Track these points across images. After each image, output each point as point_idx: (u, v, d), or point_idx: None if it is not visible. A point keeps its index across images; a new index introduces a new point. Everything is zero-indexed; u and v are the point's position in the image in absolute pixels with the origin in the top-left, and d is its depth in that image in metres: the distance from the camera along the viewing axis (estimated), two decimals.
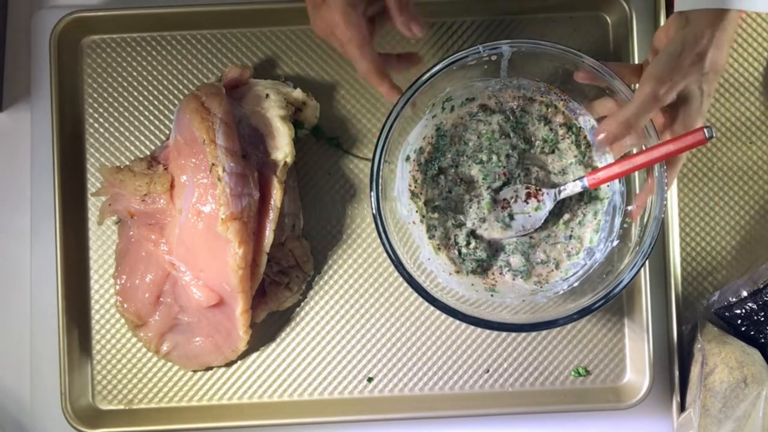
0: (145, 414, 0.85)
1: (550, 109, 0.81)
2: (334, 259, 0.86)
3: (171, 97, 0.86)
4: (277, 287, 0.83)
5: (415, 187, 0.80)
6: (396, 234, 0.76)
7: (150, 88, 0.86)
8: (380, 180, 0.74)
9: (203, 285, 0.79)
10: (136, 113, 0.86)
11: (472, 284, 0.80)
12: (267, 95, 0.80)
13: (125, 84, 0.86)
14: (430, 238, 0.80)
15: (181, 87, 0.86)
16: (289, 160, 0.79)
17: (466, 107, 0.81)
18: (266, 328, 0.85)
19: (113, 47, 0.87)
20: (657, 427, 0.85)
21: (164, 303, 0.81)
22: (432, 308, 0.84)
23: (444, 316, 0.85)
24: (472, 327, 0.85)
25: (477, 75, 0.78)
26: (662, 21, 0.85)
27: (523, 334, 0.85)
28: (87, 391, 0.85)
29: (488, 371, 0.85)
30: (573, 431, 0.86)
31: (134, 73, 0.87)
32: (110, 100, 0.86)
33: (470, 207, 0.81)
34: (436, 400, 0.84)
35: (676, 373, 0.83)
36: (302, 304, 0.85)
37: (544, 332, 0.85)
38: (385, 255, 0.85)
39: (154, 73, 0.86)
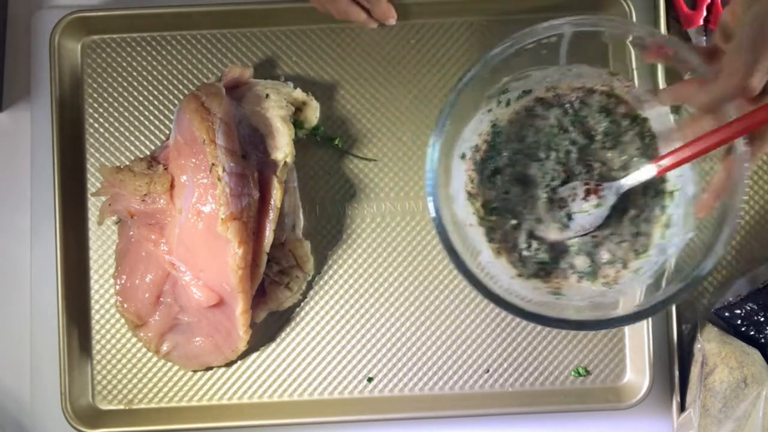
0: (145, 414, 0.85)
1: (612, 100, 0.77)
2: (334, 259, 0.86)
3: (171, 97, 0.86)
4: (277, 287, 0.83)
5: (472, 187, 0.78)
6: (456, 234, 0.72)
7: (150, 88, 0.86)
8: (438, 177, 0.69)
9: (203, 285, 0.79)
10: (136, 113, 0.86)
11: (536, 288, 0.76)
12: (267, 95, 0.80)
13: (125, 84, 0.86)
14: (489, 241, 0.77)
15: (181, 87, 0.86)
16: (289, 160, 0.79)
17: (523, 101, 0.77)
18: (266, 328, 0.85)
19: (113, 47, 0.87)
20: (657, 427, 0.85)
21: (164, 303, 0.81)
22: (432, 308, 0.85)
23: (444, 316, 0.85)
24: (472, 327, 0.85)
25: (533, 63, 0.74)
26: (662, 21, 0.85)
27: (524, 334, 0.85)
28: (87, 391, 0.85)
29: (488, 371, 0.85)
30: (573, 431, 0.86)
31: (134, 73, 0.87)
32: (110, 100, 0.86)
33: (527, 208, 0.77)
34: (436, 400, 0.84)
35: (676, 373, 0.83)
36: (302, 304, 0.85)
37: (544, 332, 0.85)
38: (385, 255, 0.85)
39: (154, 73, 0.86)
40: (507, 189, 0.78)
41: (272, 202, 0.79)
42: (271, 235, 0.78)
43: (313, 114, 0.84)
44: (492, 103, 0.77)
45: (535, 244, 0.77)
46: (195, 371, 0.84)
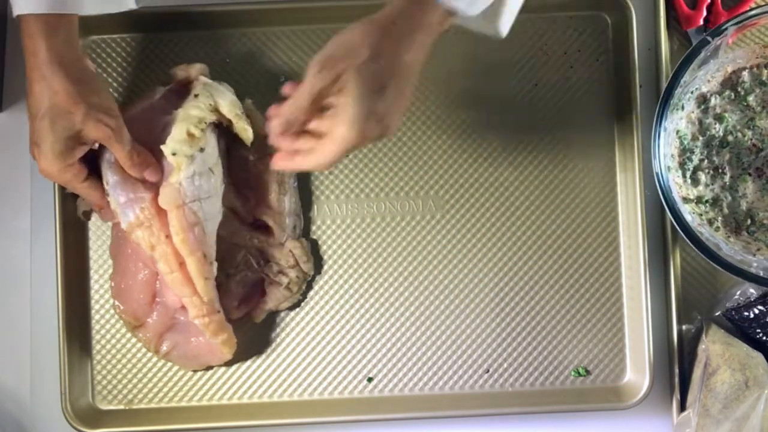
0: (145, 414, 0.85)
1: (766, 70, 0.83)
2: (334, 259, 0.86)
3: None
4: (277, 287, 0.83)
5: (680, 190, 0.82)
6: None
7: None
8: (668, 188, 0.78)
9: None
10: None
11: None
12: (197, 95, 0.78)
13: (125, 84, 0.86)
14: (716, 230, 0.82)
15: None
16: (176, 156, 0.75)
17: (692, 102, 0.82)
18: (266, 328, 0.85)
19: (113, 47, 0.87)
20: (657, 427, 0.85)
21: (160, 302, 0.81)
22: (432, 308, 0.85)
23: (444, 316, 0.85)
24: (472, 327, 0.85)
25: (696, 65, 0.79)
26: (662, 21, 0.85)
27: (524, 334, 0.85)
28: (87, 391, 0.85)
29: (488, 371, 0.85)
30: (573, 431, 0.86)
31: (134, 73, 0.86)
32: None
33: (738, 192, 0.82)
34: (436, 400, 0.84)
35: (676, 372, 0.83)
36: (302, 304, 0.85)
37: (544, 332, 0.85)
38: (385, 255, 0.85)
39: (154, 73, 0.86)
40: (710, 181, 0.82)
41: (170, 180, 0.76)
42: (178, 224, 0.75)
43: (245, 134, 0.80)
44: (669, 113, 0.79)
45: (757, 218, 0.82)
46: (195, 371, 0.84)
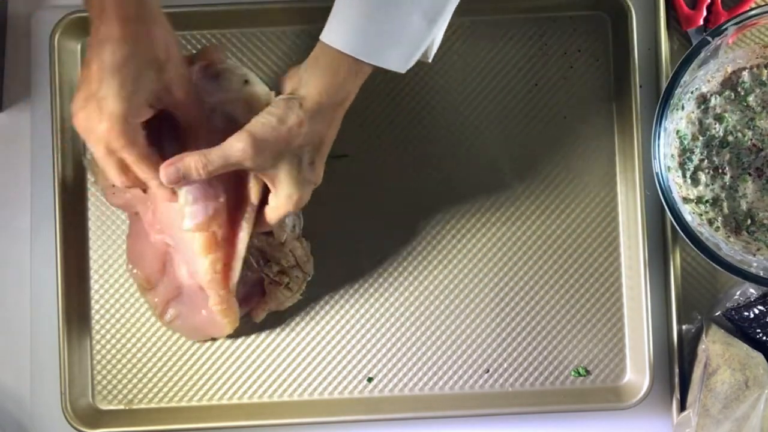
0: (145, 414, 0.85)
1: (766, 70, 0.82)
2: (334, 259, 0.86)
3: None
4: (277, 287, 0.83)
5: (680, 190, 0.82)
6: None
7: None
8: (669, 188, 0.78)
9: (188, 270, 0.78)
10: None
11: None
12: (247, 80, 0.74)
13: None
14: (716, 230, 0.82)
15: None
16: None
17: (692, 102, 0.82)
18: (266, 328, 0.85)
19: None
20: (657, 427, 0.85)
21: (169, 270, 0.80)
22: (432, 308, 0.85)
23: (444, 316, 0.85)
24: (472, 327, 0.85)
25: (696, 65, 0.79)
26: (662, 21, 0.85)
27: (524, 334, 0.85)
28: (87, 391, 0.85)
29: (488, 371, 0.85)
30: (573, 431, 0.86)
31: None
32: None
33: (738, 192, 0.82)
34: (436, 400, 0.84)
35: (676, 372, 0.83)
36: (302, 304, 0.85)
37: (544, 332, 0.85)
38: (385, 255, 0.85)
39: None
40: (710, 181, 0.82)
41: (251, 199, 0.74)
42: (246, 236, 0.75)
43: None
44: (669, 113, 0.79)
45: (757, 218, 0.82)
46: (198, 341, 0.84)
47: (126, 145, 0.65)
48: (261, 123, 0.67)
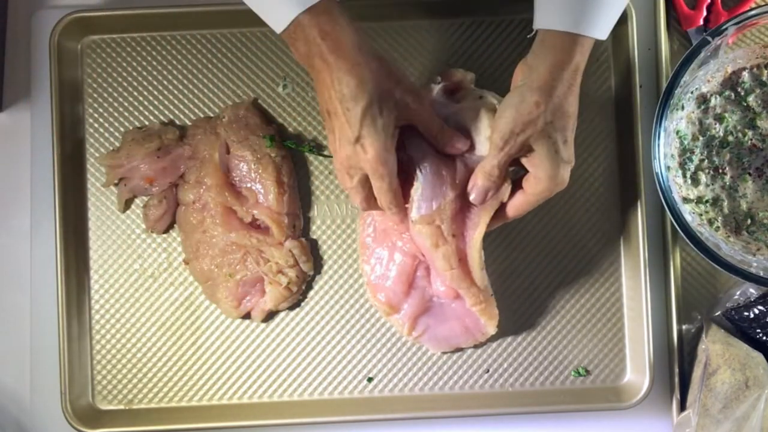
0: (145, 414, 0.85)
1: (766, 71, 0.83)
2: (334, 259, 0.86)
3: (171, 97, 0.86)
4: (277, 287, 0.83)
5: (680, 190, 0.82)
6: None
7: (150, 88, 0.86)
8: (668, 186, 0.78)
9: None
10: (136, 113, 0.86)
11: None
12: (481, 96, 0.78)
13: (125, 84, 0.86)
14: (716, 230, 0.82)
15: (181, 87, 0.86)
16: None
17: (692, 102, 0.82)
18: (266, 328, 0.85)
19: (113, 47, 0.87)
20: (657, 427, 0.85)
21: (417, 288, 0.81)
22: None
23: None
24: None
25: (696, 65, 0.79)
26: (662, 21, 0.85)
27: (523, 334, 0.85)
28: (87, 391, 0.85)
29: (488, 371, 0.85)
30: (573, 431, 0.86)
31: (134, 73, 0.87)
32: (110, 100, 0.86)
33: (738, 191, 0.82)
34: (436, 400, 0.84)
35: (676, 372, 0.83)
36: (302, 304, 0.85)
37: (544, 332, 0.85)
38: None
39: (154, 73, 0.87)
40: (710, 181, 0.83)
41: (501, 197, 0.77)
42: (479, 234, 0.77)
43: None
44: (669, 113, 0.80)
45: (756, 218, 0.82)
46: (444, 353, 0.85)
47: (389, 173, 0.72)
48: (500, 117, 0.72)
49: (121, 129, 0.86)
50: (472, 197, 0.75)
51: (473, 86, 0.81)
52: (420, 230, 0.76)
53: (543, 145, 0.71)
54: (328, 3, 0.68)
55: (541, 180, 0.72)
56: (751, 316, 0.83)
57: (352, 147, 0.70)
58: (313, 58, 0.69)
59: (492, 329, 0.81)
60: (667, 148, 0.80)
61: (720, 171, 0.83)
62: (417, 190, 0.76)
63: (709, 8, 0.86)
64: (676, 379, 0.83)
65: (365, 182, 0.73)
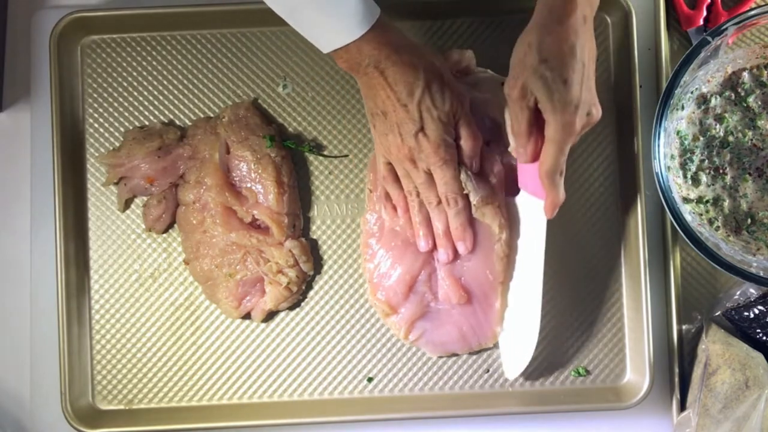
0: (145, 414, 0.85)
1: (766, 71, 0.83)
2: (334, 259, 0.86)
3: (171, 97, 0.86)
4: (277, 287, 0.83)
5: (680, 190, 0.82)
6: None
7: (150, 88, 0.86)
8: (669, 189, 0.78)
9: (455, 281, 0.81)
10: (136, 113, 0.86)
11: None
12: (503, 83, 0.77)
13: (125, 84, 0.86)
14: (716, 230, 0.82)
15: (181, 87, 0.86)
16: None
17: (693, 102, 0.83)
18: (266, 328, 0.85)
19: (113, 47, 0.87)
20: (657, 427, 0.85)
21: (417, 292, 0.82)
22: None
23: None
24: None
25: (696, 65, 0.79)
26: (662, 21, 0.85)
27: None
28: (87, 391, 0.85)
29: (488, 371, 0.85)
30: (573, 431, 0.86)
31: (134, 73, 0.87)
32: (110, 100, 0.86)
33: (738, 191, 0.82)
34: (436, 400, 0.84)
35: (676, 372, 0.83)
36: (302, 304, 0.85)
37: (544, 332, 0.84)
38: None
39: (154, 73, 0.87)
40: (711, 181, 0.83)
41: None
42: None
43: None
44: (669, 114, 0.79)
45: (757, 218, 0.82)
46: (440, 357, 0.85)
47: (451, 159, 0.76)
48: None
49: (121, 129, 0.86)
50: (519, 165, 0.77)
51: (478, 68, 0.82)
52: (482, 213, 0.78)
53: (539, 87, 0.69)
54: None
55: (549, 123, 0.70)
56: (751, 316, 0.83)
57: (414, 139, 0.74)
58: (367, 66, 0.73)
59: (491, 342, 0.82)
60: (667, 148, 0.80)
61: (720, 171, 0.83)
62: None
63: (709, 8, 0.86)
64: (676, 379, 0.83)
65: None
